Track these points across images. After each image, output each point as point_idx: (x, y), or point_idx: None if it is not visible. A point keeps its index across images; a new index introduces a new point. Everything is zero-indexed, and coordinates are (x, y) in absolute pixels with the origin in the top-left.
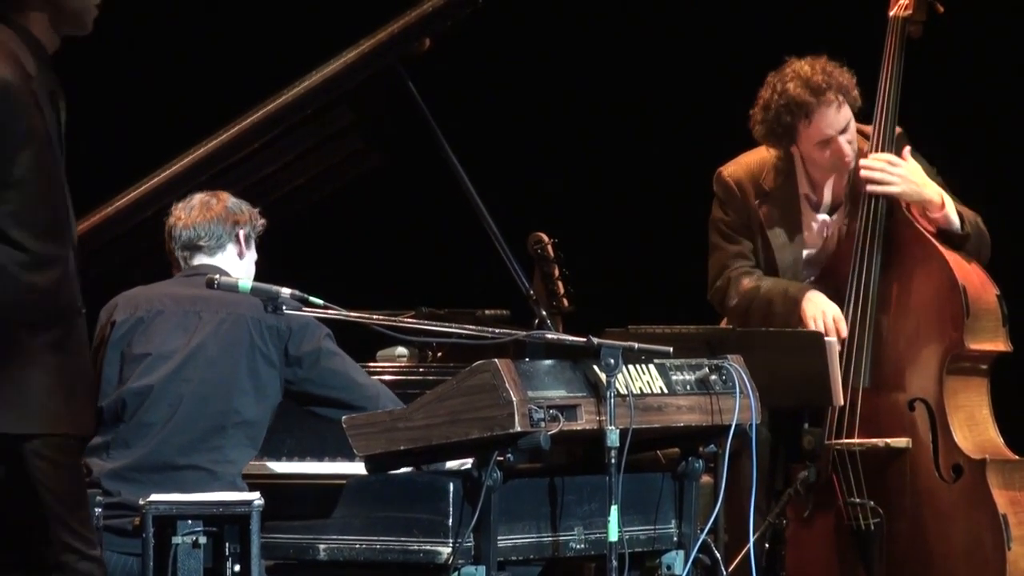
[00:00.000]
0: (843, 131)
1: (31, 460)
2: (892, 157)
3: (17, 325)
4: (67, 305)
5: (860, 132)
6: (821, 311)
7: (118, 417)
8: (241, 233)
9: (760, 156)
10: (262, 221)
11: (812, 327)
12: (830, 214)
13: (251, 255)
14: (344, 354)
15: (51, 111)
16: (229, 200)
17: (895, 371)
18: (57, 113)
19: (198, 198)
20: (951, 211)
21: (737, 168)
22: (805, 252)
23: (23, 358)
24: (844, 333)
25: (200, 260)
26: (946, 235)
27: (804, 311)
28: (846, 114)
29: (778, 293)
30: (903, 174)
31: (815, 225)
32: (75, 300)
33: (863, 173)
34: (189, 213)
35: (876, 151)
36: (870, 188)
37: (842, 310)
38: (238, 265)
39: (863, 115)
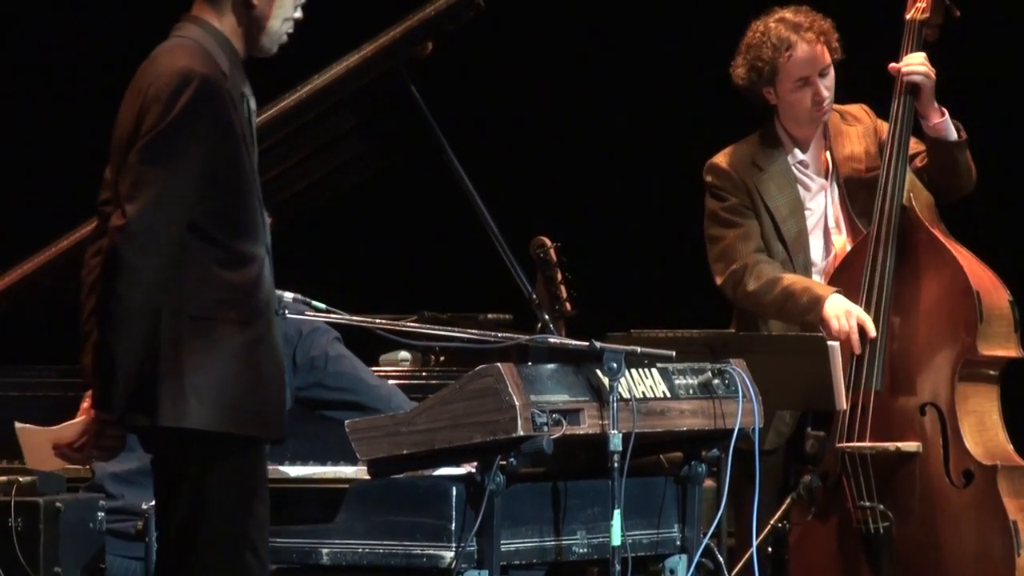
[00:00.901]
0: (822, 75)
1: (221, 459)
2: (924, 55)
3: (220, 322)
4: (266, 305)
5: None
6: (845, 311)
7: None
8: None
9: (745, 142)
10: None
11: (834, 325)
12: (824, 178)
13: None
14: (353, 356)
15: (245, 113)
16: None
17: (907, 375)
18: (249, 116)
19: None
20: (949, 121)
21: (727, 155)
22: (809, 220)
23: (227, 355)
24: (872, 333)
25: None
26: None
27: (825, 311)
28: (826, 58)
29: (802, 288)
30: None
31: (813, 187)
32: (272, 300)
33: (904, 68)
34: None
35: (891, 157)
36: (911, 77)
37: None
38: None
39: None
